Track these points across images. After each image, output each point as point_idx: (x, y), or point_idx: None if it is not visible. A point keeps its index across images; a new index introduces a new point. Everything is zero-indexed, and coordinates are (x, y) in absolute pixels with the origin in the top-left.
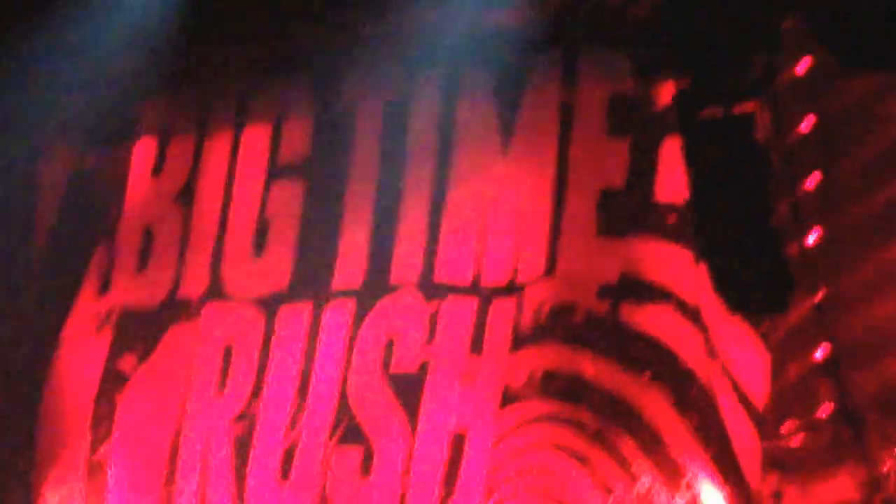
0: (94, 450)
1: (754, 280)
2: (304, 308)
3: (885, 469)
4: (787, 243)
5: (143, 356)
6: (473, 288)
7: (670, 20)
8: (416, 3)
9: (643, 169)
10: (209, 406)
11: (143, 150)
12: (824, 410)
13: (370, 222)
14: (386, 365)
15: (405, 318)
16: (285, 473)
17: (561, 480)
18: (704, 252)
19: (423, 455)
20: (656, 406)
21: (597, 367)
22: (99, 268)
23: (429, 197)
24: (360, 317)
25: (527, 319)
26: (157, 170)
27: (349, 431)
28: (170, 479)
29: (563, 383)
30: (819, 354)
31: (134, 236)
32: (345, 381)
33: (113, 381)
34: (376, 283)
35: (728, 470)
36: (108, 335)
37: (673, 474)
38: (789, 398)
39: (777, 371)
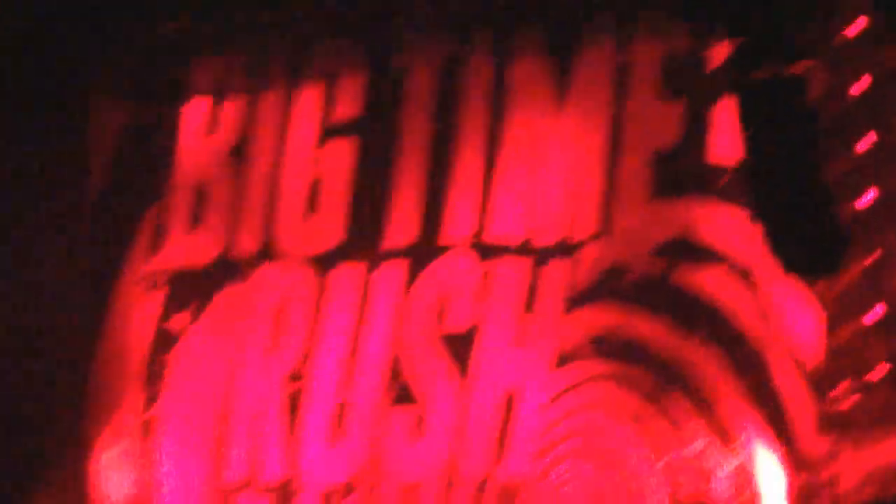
0: (146, 409)
1: (808, 241)
2: (356, 267)
3: None
4: (842, 204)
5: (195, 316)
6: (525, 247)
7: None
8: None
9: (697, 129)
10: (261, 366)
11: (196, 109)
12: (878, 372)
13: (422, 181)
14: (438, 323)
15: (457, 278)
16: (336, 434)
17: (613, 441)
18: (758, 213)
19: (475, 417)
20: (710, 367)
21: (650, 327)
22: (151, 228)
23: (481, 156)
24: (412, 277)
25: (581, 280)
26: (210, 129)
27: (401, 393)
28: (221, 439)
29: (616, 344)
30: (873, 315)
31: (186, 196)
32: (396, 341)
33: (165, 340)
34: (428, 243)
35: (781, 432)
36: (160, 295)
37: (726, 436)
38: (843, 359)
39: (830, 332)
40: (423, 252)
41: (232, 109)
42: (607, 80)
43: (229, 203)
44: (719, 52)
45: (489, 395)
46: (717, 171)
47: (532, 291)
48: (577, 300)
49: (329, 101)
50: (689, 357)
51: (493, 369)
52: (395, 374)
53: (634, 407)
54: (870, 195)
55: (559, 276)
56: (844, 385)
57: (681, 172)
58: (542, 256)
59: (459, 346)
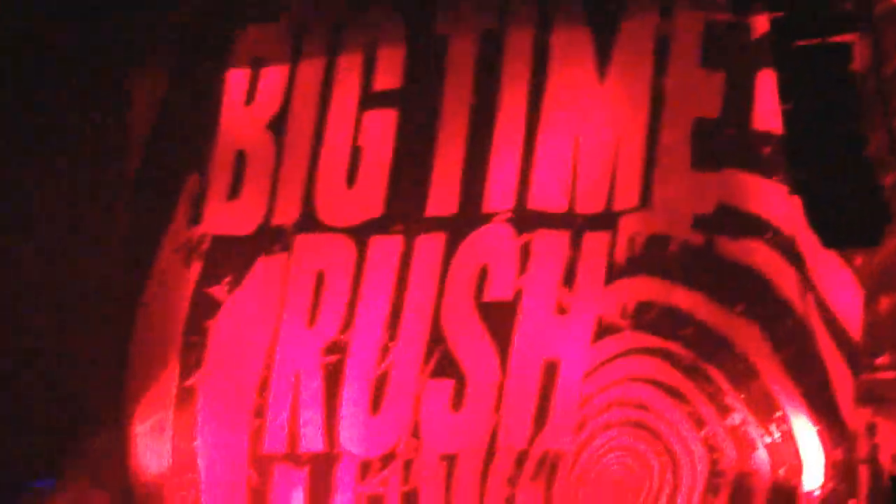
0: (184, 378)
1: (849, 213)
2: (397, 237)
3: None
4: (883, 176)
5: (234, 284)
6: (568, 215)
7: None
8: None
9: (738, 100)
10: (300, 336)
11: (237, 79)
12: None
13: (463, 151)
14: (478, 294)
15: (497, 248)
16: (376, 405)
17: (653, 413)
18: (799, 185)
19: (515, 388)
20: (750, 339)
21: (691, 299)
22: (191, 195)
23: (523, 125)
24: (452, 246)
25: (621, 251)
26: (250, 98)
27: (441, 363)
28: (260, 409)
29: (656, 316)
30: None
31: (226, 164)
32: (437, 311)
33: (203, 308)
34: (469, 212)
35: (822, 404)
36: (198, 263)
37: (766, 408)
38: (883, 332)
39: (870, 305)
40: (464, 223)
41: (272, 79)
42: (649, 50)
43: (269, 172)
44: (761, 22)
45: (529, 366)
46: (759, 142)
47: (572, 263)
48: (618, 272)
49: (369, 71)
50: (729, 329)
51: (533, 340)
52: (436, 345)
53: (674, 379)
54: None
55: (599, 248)
56: (884, 357)
57: (722, 143)
58: (582, 227)
59: (499, 315)
